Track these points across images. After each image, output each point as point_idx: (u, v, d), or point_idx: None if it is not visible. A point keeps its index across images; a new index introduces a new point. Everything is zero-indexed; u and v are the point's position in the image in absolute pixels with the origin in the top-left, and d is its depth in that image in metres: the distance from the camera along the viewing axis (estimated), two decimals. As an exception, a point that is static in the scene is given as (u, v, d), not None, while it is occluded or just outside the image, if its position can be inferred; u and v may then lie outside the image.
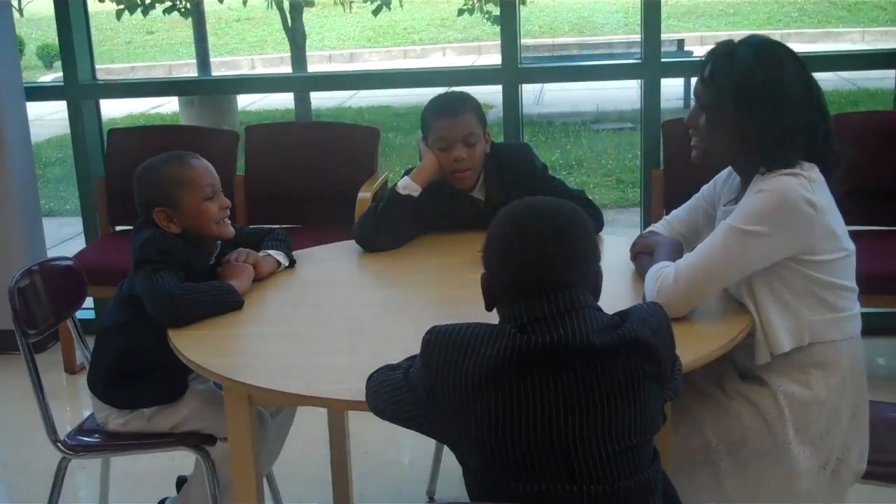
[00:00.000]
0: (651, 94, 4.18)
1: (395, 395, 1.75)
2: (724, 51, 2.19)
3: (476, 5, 9.72)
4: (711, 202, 2.43)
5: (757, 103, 2.11)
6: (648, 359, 1.63)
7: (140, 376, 2.49)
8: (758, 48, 2.16)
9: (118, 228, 4.45)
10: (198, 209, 2.46)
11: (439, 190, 2.90)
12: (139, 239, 2.44)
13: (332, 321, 2.35)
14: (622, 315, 1.68)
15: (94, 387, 2.57)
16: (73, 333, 2.89)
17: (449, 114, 2.82)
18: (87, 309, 4.32)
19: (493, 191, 2.89)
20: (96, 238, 4.53)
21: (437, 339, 1.65)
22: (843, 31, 16.47)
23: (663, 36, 4.22)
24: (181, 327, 2.27)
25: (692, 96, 2.27)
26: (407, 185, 2.85)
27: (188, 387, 2.54)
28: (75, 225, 5.94)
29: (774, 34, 17.17)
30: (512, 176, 2.89)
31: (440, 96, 2.94)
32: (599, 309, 1.67)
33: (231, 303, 2.38)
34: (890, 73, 8.85)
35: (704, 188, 2.48)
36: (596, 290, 1.72)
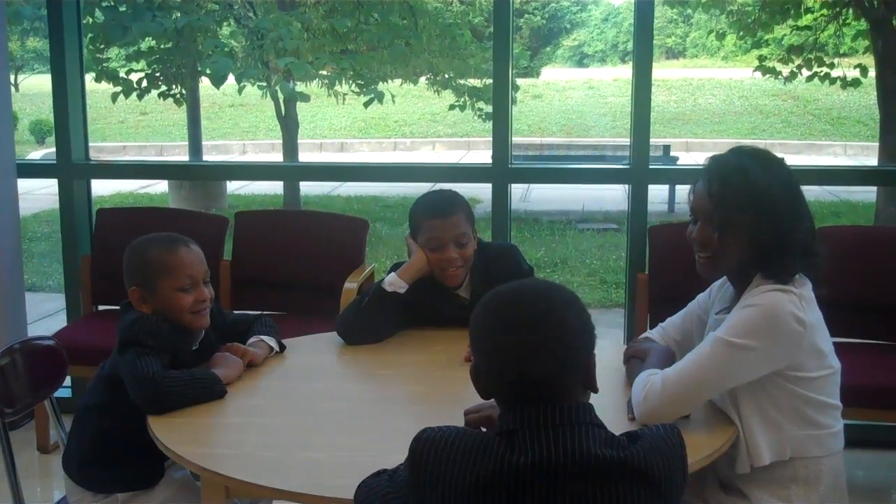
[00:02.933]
0: (638, 199, 4.23)
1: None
2: (733, 164, 2.19)
3: (467, 102, 9.90)
4: (705, 308, 2.44)
5: (777, 214, 2.13)
6: (655, 492, 1.52)
7: (116, 460, 2.45)
8: (764, 160, 2.19)
9: (101, 307, 4.43)
10: (170, 297, 2.45)
11: (424, 286, 2.91)
12: (126, 319, 2.43)
13: (314, 414, 2.33)
14: (631, 437, 1.56)
15: (69, 468, 2.53)
16: (49, 412, 2.86)
17: (440, 215, 2.85)
18: (64, 387, 4.27)
19: (479, 290, 2.90)
20: (79, 316, 4.50)
21: (424, 448, 1.56)
22: (826, 143, 16.82)
23: (650, 141, 4.28)
24: (162, 414, 2.26)
25: (691, 208, 2.26)
26: (393, 282, 2.87)
27: (164, 473, 2.50)
28: (57, 301, 5.92)
29: (758, 144, 17.48)
30: (498, 276, 2.90)
31: (430, 196, 2.97)
32: (601, 426, 1.56)
33: (214, 392, 2.37)
34: (872, 186, 9.02)
35: (700, 295, 2.49)
36: (588, 383, 1.61)
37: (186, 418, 2.26)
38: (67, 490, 2.56)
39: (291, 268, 4.28)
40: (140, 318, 2.41)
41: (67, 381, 4.51)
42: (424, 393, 2.52)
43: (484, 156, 4.39)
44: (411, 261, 2.89)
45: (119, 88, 8.90)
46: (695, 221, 2.24)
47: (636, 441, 1.54)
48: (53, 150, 4.61)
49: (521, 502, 1.48)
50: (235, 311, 3.35)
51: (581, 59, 27.68)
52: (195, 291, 2.47)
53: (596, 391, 1.63)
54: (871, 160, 13.63)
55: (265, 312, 3.51)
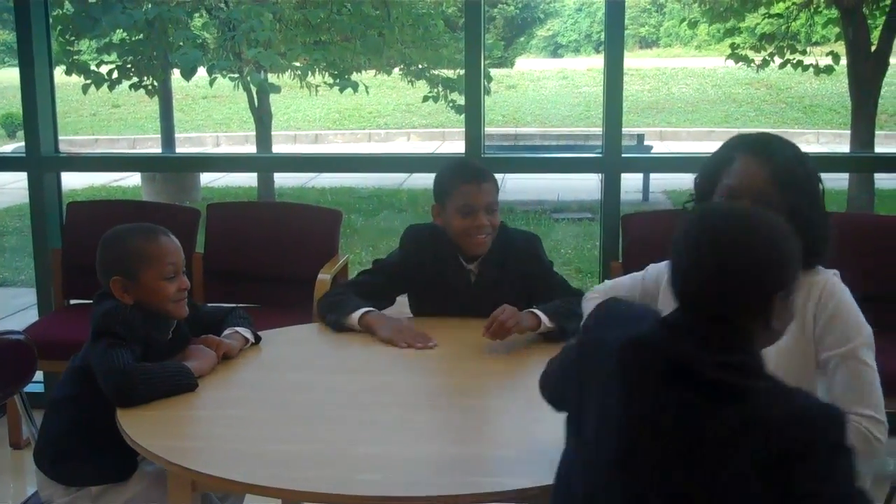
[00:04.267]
0: (611, 187, 4.24)
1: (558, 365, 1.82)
2: (785, 144, 2.20)
3: (441, 94, 9.87)
4: (656, 279, 2.37)
5: (814, 195, 2.17)
6: (784, 458, 1.39)
7: (89, 452, 2.43)
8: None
9: (73, 302, 4.39)
10: (155, 287, 2.45)
11: (436, 252, 2.94)
12: (100, 310, 2.42)
13: (286, 407, 2.32)
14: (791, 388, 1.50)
15: (41, 461, 2.50)
16: (20, 408, 2.83)
17: (476, 181, 2.87)
18: (37, 383, 4.23)
19: (489, 268, 2.92)
20: (50, 311, 4.46)
21: (597, 311, 1.70)
22: (799, 131, 16.89)
23: (623, 130, 4.29)
24: (131, 406, 2.23)
25: (733, 187, 2.13)
26: (353, 324, 2.82)
27: (137, 466, 2.48)
28: (29, 296, 5.86)
29: (731, 133, 17.59)
30: (514, 260, 2.94)
31: (461, 162, 3.06)
32: (772, 378, 1.51)
33: (185, 385, 2.35)
34: (844, 173, 9.08)
35: (652, 268, 2.41)
36: (771, 322, 1.58)
37: (156, 411, 2.24)
38: (39, 485, 2.53)
39: (264, 260, 4.27)
40: (113, 309, 2.39)
41: (40, 376, 4.47)
42: (396, 384, 2.50)
43: (459, 146, 4.38)
44: (380, 326, 2.78)
45: (89, 80, 8.81)
46: (732, 199, 2.12)
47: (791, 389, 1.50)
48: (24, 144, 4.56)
49: (633, 386, 1.52)
50: (209, 304, 3.34)
51: (555, 50, 27.66)
52: (177, 280, 2.48)
53: (778, 335, 1.63)
54: (844, 147, 13.70)
55: (239, 305, 3.49)
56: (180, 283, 2.49)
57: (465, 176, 2.90)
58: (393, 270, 3.02)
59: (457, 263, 2.95)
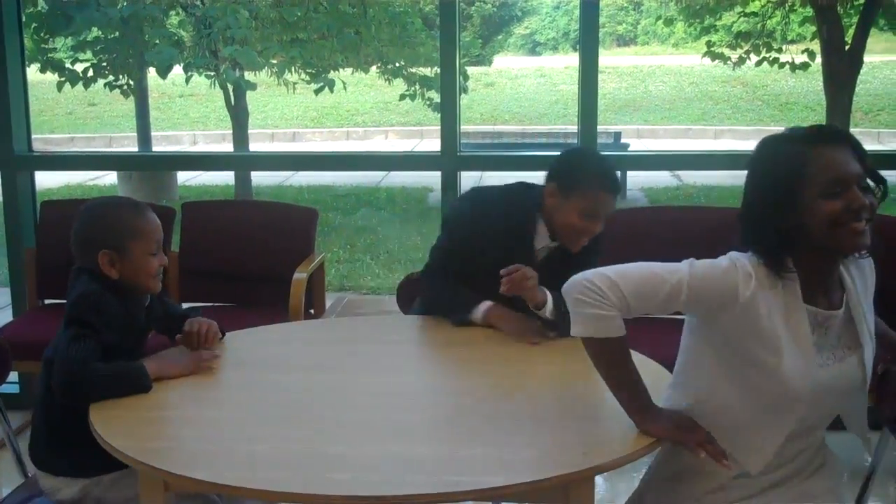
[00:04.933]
0: (587, 185, 4.25)
1: None
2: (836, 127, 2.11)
3: (418, 92, 9.88)
4: (723, 286, 1.98)
5: None
6: None
7: (86, 443, 2.33)
8: None
9: (47, 301, 4.36)
10: (142, 261, 2.43)
11: (502, 226, 2.89)
12: (75, 291, 2.38)
13: (259, 407, 2.30)
14: None
15: (38, 459, 2.43)
16: (-7, 409, 2.80)
17: (614, 191, 2.80)
18: (11, 383, 4.20)
19: (556, 254, 2.89)
20: (24, 310, 4.43)
21: None
22: (775, 128, 16.93)
23: (600, 128, 4.30)
24: (76, 405, 2.21)
25: (847, 176, 1.96)
26: (477, 319, 2.82)
27: None
28: (3, 296, 5.81)
29: (708, 130, 17.53)
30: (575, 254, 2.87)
31: (604, 164, 2.87)
32: None
33: (138, 386, 2.31)
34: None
35: (698, 266, 2.01)
36: None
37: (128, 411, 2.21)
38: (41, 482, 2.44)
39: (240, 259, 4.25)
40: (86, 294, 2.35)
41: (15, 377, 4.44)
42: (369, 384, 2.48)
43: (437, 144, 4.38)
44: (505, 321, 2.79)
45: (64, 78, 8.76)
46: (842, 190, 1.95)
47: None
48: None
49: None
50: (184, 305, 3.32)
51: (533, 48, 27.67)
52: (160, 256, 2.47)
53: None
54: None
55: (215, 304, 3.49)
56: (160, 259, 2.48)
57: (608, 185, 2.79)
58: (464, 253, 2.93)
59: (527, 243, 2.89)
